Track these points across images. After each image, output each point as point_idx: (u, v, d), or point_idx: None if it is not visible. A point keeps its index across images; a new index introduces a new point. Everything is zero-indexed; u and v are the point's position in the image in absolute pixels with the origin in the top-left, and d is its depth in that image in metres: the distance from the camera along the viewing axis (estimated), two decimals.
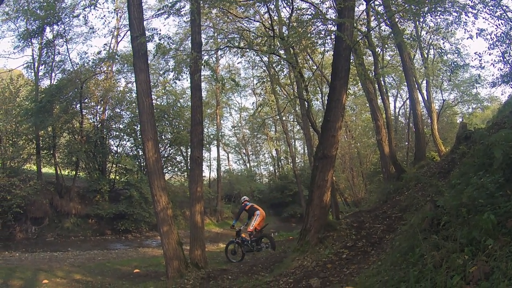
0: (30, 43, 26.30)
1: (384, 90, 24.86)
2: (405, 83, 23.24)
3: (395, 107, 35.24)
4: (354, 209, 22.70)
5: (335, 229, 10.02)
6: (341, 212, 19.72)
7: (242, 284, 8.92)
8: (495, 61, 14.07)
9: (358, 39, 12.98)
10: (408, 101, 28.67)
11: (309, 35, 12.65)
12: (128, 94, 30.72)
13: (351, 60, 11.53)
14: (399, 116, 35.82)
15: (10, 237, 22.31)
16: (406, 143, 30.36)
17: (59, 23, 25.89)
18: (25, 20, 25.55)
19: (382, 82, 23.87)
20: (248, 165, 51.79)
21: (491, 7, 12.73)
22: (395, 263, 6.02)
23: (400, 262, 5.83)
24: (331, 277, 7.46)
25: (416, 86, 21.00)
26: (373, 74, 19.71)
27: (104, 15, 28.47)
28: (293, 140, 47.04)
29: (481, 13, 12.67)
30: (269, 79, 22.76)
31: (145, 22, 12.77)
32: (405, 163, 24.10)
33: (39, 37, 26.24)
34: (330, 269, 8.01)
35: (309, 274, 7.97)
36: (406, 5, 10.97)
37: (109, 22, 44.38)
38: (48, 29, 26.36)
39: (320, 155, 10.16)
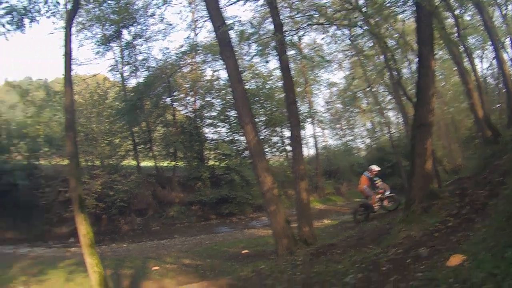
0: (110, 47, 27.75)
1: (470, 52, 24.04)
2: (489, 43, 22.32)
3: (482, 68, 33.78)
4: (453, 177, 22.30)
5: (439, 197, 9.95)
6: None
7: (352, 257, 9.00)
8: None
9: (437, 3, 12.77)
10: (494, 61, 27.49)
11: (387, 4, 12.51)
12: (216, 82, 31.61)
13: (433, 25, 11.41)
14: (488, 78, 34.26)
15: (116, 230, 23.57)
16: (498, 105, 29.12)
17: (134, 25, 27.04)
18: (100, 27, 26.82)
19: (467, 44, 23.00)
20: (344, 139, 50.87)
21: None
22: (500, 229, 5.97)
23: (505, 227, 5.79)
24: (439, 246, 7.47)
25: (500, 45, 20.15)
26: (457, 36, 19.23)
27: (180, 11, 29.36)
28: (386, 110, 46.15)
29: None
30: (354, 52, 22.60)
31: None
32: (499, 126, 23.28)
33: (118, 40, 27.61)
34: (437, 238, 8.04)
35: (417, 244, 8.07)
36: None
37: (186, 16, 45.76)
38: (125, 31, 27.59)
39: (417, 123, 10.14)
